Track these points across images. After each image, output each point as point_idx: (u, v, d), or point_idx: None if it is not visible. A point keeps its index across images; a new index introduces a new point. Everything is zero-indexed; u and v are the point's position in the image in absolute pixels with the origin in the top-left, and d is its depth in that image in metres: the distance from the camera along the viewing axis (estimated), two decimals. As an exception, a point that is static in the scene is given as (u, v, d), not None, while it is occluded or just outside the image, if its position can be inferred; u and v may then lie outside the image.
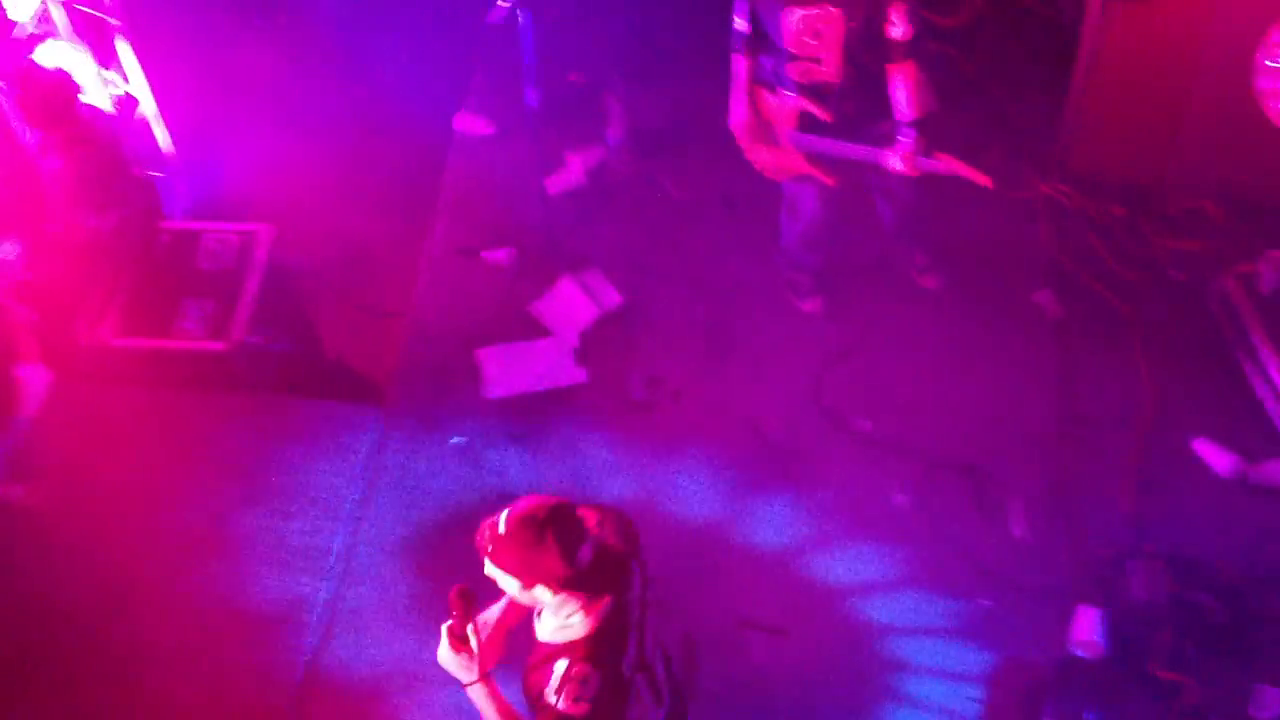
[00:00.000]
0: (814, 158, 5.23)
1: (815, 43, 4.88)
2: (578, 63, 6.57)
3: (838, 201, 5.47)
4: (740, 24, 5.02)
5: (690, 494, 5.40)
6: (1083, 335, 5.83)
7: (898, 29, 4.81)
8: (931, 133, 5.02)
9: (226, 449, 5.52)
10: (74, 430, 5.30)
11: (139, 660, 4.78)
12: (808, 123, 5.13)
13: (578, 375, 5.78)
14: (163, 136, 6.35)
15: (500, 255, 6.21)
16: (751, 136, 5.29)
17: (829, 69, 4.94)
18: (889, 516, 5.30)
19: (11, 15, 5.63)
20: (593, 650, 3.14)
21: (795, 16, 4.82)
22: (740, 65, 5.15)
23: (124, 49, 5.98)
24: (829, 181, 5.27)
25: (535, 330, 5.96)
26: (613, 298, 6.03)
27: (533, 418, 5.67)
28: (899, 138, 4.97)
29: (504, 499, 3.21)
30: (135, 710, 4.70)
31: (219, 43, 7.07)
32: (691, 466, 5.48)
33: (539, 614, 3.29)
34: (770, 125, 5.23)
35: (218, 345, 5.62)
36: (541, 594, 3.12)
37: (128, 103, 6.17)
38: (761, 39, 5.03)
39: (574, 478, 5.44)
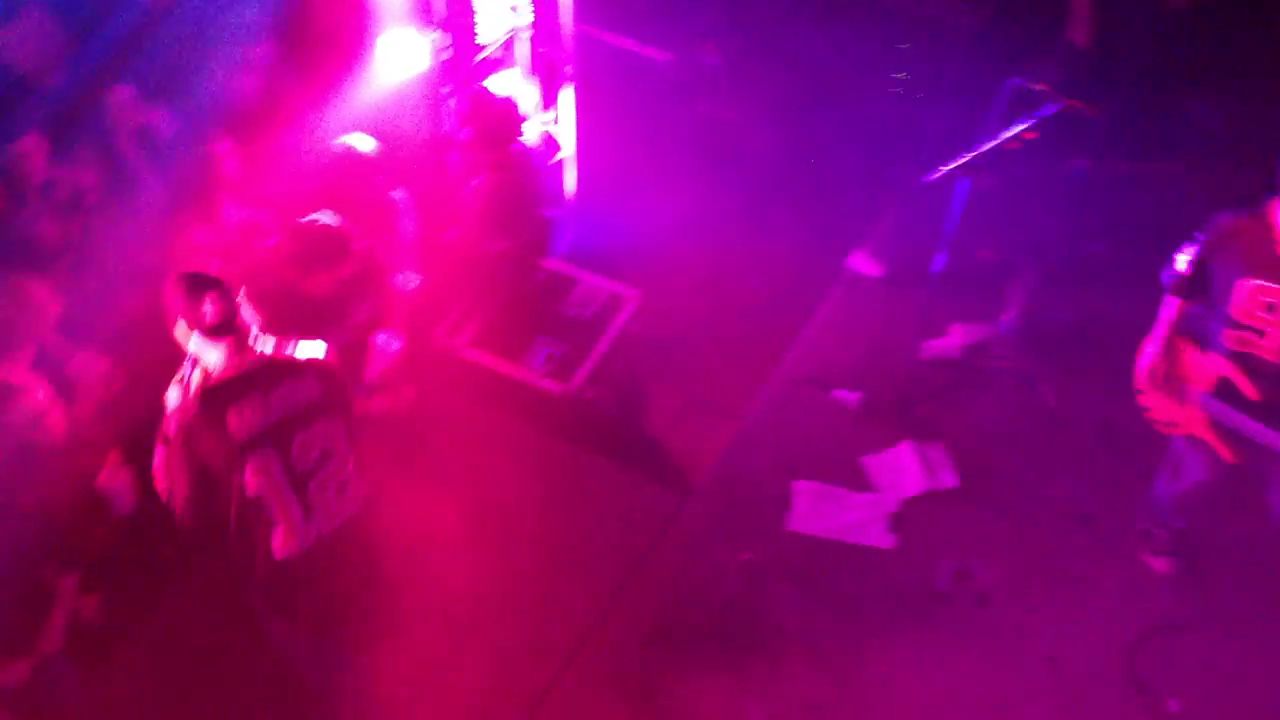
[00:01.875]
0: (1219, 426, 4.75)
1: (1267, 316, 4.42)
2: (994, 240, 6.36)
3: (1226, 474, 4.91)
4: (1182, 264, 4.57)
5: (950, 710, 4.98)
6: None
7: None
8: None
9: (528, 485, 5.58)
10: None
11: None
12: (1224, 390, 4.65)
13: (885, 540, 5.46)
14: (571, 181, 6.60)
15: (850, 397, 6.01)
16: (1154, 380, 4.81)
17: (1271, 346, 4.46)
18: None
19: (480, 39, 6.03)
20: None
21: (1251, 286, 4.40)
22: (1170, 307, 4.69)
23: (567, 94, 6.28)
24: (1227, 456, 4.74)
25: (859, 482, 5.70)
26: (948, 478, 5.68)
27: (824, 564, 5.38)
28: None
29: (775, 632, 2.98)
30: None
31: (650, 113, 7.35)
32: (965, 685, 5.03)
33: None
34: (1181, 378, 4.78)
35: (556, 387, 5.74)
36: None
37: (551, 144, 6.46)
38: (1202, 288, 4.58)
39: (842, 641, 5.13)
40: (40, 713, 4.49)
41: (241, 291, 4.04)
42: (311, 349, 4.11)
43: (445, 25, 5.80)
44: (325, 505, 3.98)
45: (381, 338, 5.12)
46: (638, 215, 6.86)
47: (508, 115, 5.79)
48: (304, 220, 4.88)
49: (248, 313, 4.02)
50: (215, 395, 3.86)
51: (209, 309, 3.85)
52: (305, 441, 3.94)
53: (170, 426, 3.91)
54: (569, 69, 6.20)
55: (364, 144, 5.36)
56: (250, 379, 3.90)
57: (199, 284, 3.88)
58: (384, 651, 4.61)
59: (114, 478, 4.43)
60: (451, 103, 5.96)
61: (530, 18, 6.03)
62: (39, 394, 4.41)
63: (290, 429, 3.91)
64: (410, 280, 5.49)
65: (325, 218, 4.86)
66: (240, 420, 3.85)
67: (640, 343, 6.18)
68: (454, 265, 5.92)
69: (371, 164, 5.38)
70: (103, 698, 4.82)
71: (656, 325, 6.27)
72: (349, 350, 4.80)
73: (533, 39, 6.12)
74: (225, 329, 3.88)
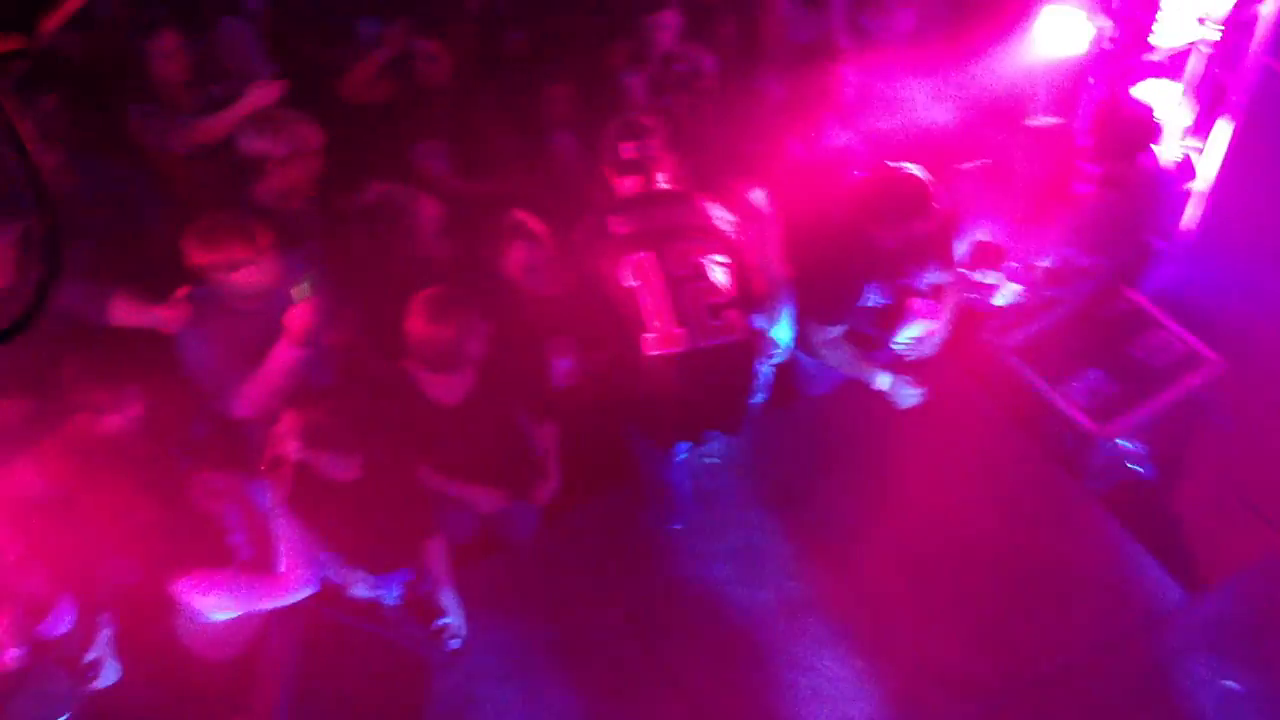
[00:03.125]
0: None
1: None
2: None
3: None
4: None
5: None
6: None
7: None
8: None
9: (1015, 508, 5.18)
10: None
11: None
12: None
13: None
14: (1192, 218, 5.92)
15: None
16: None
17: None
18: None
19: (1153, 40, 5.50)
20: None
21: None
22: None
23: (1224, 125, 5.59)
24: None
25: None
26: None
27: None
28: None
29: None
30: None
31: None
32: None
33: None
34: None
35: (1090, 425, 5.24)
36: None
37: (1185, 170, 5.81)
38: None
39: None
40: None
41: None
42: None
43: (1118, 16, 5.36)
44: (699, 318, 4.26)
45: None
46: (1256, 276, 6.03)
47: (1138, 128, 5.29)
48: (894, 165, 4.72)
49: None
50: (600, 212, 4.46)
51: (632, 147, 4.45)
52: (683, 251, 4.30)
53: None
54: (1237, 99, 5.52)
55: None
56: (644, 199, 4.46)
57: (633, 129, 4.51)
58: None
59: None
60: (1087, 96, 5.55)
61: (1218, 36, 5.38)
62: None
63: (668, 239, 4.32)
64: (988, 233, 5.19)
65: (915, 170, 4.67)
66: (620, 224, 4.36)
67: (1204, 415, 5.48)
68: (1033, 268, 5.53)
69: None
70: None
71: (1231, 401, 5.53)
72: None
73: (1210, 58, 5.48)
74: (635, 167, 4.46)
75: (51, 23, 2.19)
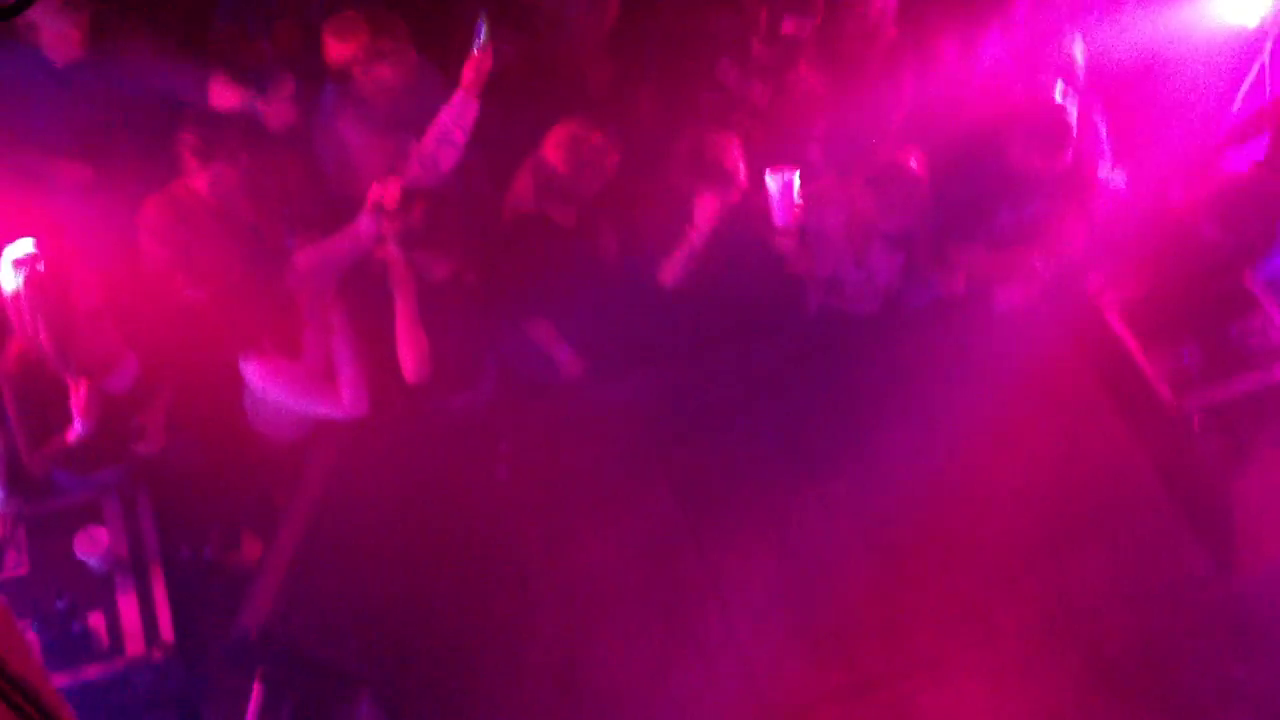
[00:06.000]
0: None
1: None
2: None
3: None
4: None
5: None
6: None
7: None
8: None
9: (1080, 463, 5.30)
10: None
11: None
12: None
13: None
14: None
15: None
16: None
17: None
18: None
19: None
20: None
21: None
22: None
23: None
24: None
25: None
26: None
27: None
28: None
29: None
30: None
31: None
32: None
33: None
34: None
35: (1170, 396, 5.23)
36: None
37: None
38: None
39: None
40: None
41: None
42: None
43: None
44: None
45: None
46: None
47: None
48: (1049, 91, 4.74)
49: None
50: None
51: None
52: None
53: None
54: None
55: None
56: None
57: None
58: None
59: None
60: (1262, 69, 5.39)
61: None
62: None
63: None
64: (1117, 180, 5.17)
65: (1067, 101, 4.66)
66: None
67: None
68: (1161, 224, 5.48)
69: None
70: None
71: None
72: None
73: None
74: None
75: None
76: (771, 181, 4.58)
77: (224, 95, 4.48)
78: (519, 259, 4.62)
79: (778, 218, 4.67)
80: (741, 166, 4.64)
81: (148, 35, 4.65)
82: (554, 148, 4.46)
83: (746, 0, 5.03)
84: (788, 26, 4.63)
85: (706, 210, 4.58)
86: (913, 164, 4.75)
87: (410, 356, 4.42)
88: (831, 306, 5.15)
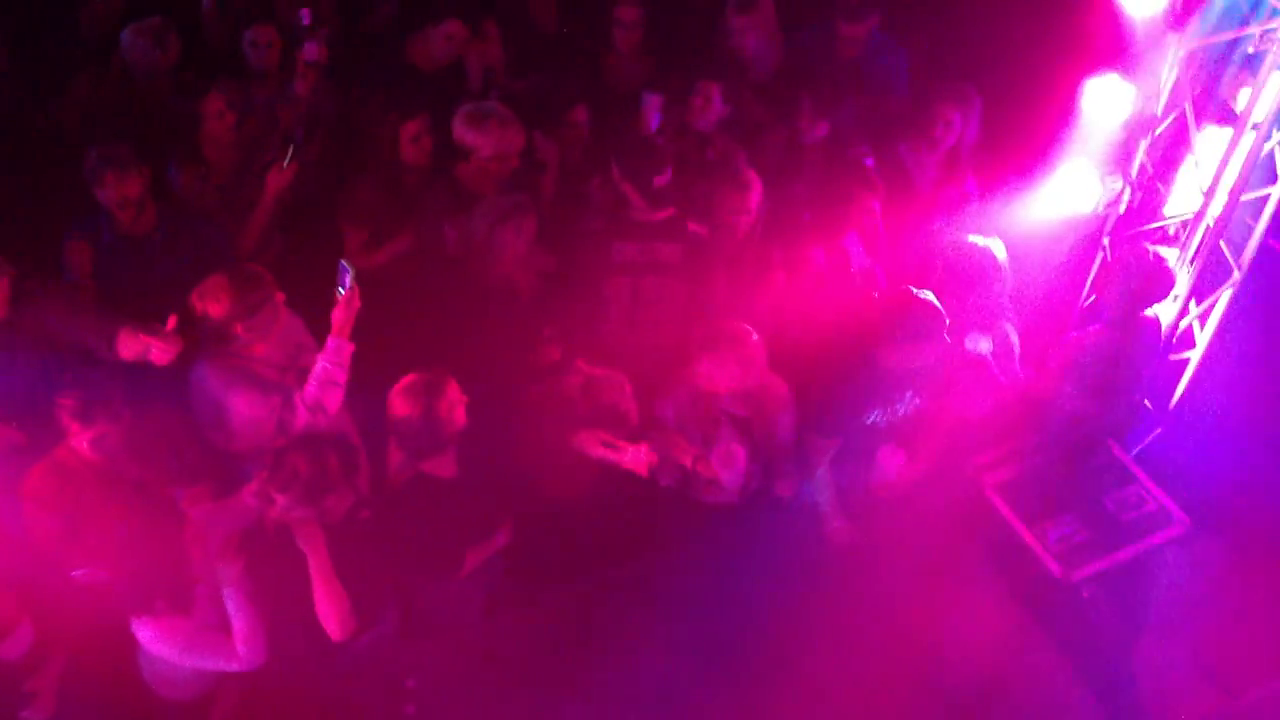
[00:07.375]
0: None
1: None
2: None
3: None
4: None
5: None
6: None
7: None
8: None
9: (976, 632, 5.41)
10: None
11: None
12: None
13: None
14: (1183, 383, 6.14)
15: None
16: None
17: None
18: None
19: (1165, 210, 5.72)
20: None
21: None
22: None
23: (1224, 297, 5.80)
24: None
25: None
26: None
27: None
28: None
29: None
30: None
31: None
32: None
33: None
34: None
35: (1057, 569, 5.38)
36: None
37: (1186, 340, 6.02)
38: None
39: None
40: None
41: None
42: None
43: (1134, 182, 5.58)
44: None
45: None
46: (1235, 450, 6.23)
47: (1156, 279, 5.41)
48: (912, 291, 4.99)
49: None
50: None
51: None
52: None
53: None
54: (1236, 275, 5.73)
55: (1000, 252, 5.37)
56: None
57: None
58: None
59: None
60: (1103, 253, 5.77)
61: (1219, 211, 5.59)
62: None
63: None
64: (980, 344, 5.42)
65: (930, 297, 4.94)
66: None
67: (1167, 572, 5.64)
68: (1028, 405, 5.71)
69: (997, 272, 5.39)
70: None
71: (1194, 564, 5.70)
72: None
73: (1210, 231, 5.67)
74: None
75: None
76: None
77: (130, 345, 4.57)
78: (408, 525, 4.61)
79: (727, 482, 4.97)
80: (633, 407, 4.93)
81: (64, 293, 4.86)
82: (399, 396, 4.49)
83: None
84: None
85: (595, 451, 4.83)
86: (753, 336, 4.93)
87: (333, 614, 4.33)
88: (689, 497, 5.20)
